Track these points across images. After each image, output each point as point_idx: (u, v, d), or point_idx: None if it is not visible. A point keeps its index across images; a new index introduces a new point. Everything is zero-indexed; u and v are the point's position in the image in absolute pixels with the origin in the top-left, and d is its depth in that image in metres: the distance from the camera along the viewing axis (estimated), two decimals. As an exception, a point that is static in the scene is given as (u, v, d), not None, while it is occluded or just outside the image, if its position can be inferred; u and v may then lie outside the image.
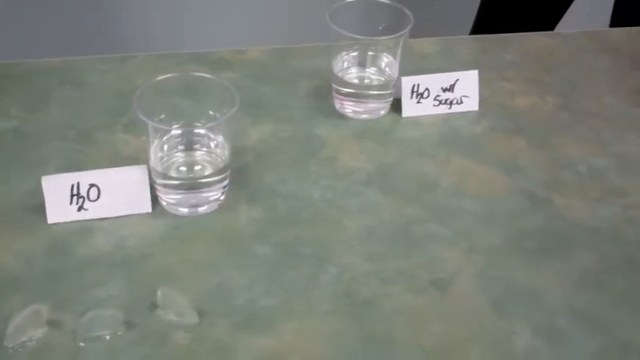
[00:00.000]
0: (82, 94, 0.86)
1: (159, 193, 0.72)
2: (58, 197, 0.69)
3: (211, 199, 0.71)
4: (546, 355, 0.62)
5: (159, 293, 0.62)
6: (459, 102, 0.86)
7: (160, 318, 0.62)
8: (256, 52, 0.94)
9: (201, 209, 0.72)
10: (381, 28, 0.81)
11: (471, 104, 0.86)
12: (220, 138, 0.71)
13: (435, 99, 0.85)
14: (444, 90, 0.85)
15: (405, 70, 0.84)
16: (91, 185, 0.69)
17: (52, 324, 0.61)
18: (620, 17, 1.24)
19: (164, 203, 0.72)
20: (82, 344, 0.60)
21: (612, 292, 0.67)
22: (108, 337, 0.60)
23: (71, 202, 0.69)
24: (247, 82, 0.88)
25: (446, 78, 0.85)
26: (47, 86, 0.86)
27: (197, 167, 0.72)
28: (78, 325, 0.61)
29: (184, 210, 0.72)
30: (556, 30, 1.26)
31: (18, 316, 0.60)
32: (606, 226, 0.74)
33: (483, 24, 1.30)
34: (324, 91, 0.86)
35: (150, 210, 0.71)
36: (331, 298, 0.65)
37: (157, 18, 1.79)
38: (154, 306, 0.63)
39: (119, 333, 0.61)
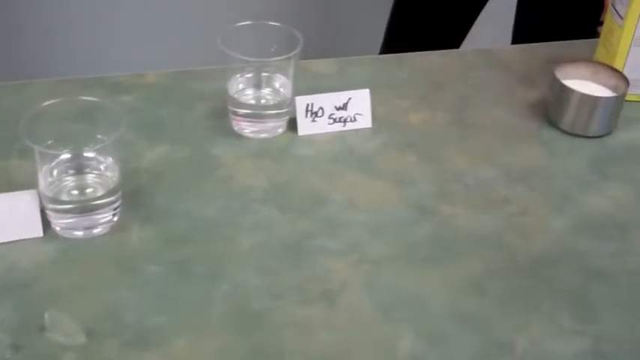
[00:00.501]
0: (-24, 120, 0.85)
1: (50, 218, 0.72)
2: (-55, 224, 0.69)
3: (103, 220, 0.72)
4: (429, 356, 0.64)
5: (46, 315, 0.63)
6: (353, 120, 0.89)
7: (48, 340, 0.62)
8: (154, 75, 0.95)
9: (95, 231, 0.72)
10: (272, 49, 0.84)
11: (364, 122, 0.89)
12: (110, 160, 0.72)
13: (329, 117, 0.88)
14: (338, 108, 0.88)
15: (303, 90, 0.87)
16: (-20, 211, 0.69)
17: (-64, 352, 0.61)
18: (520, 37, 1.30)
19: (57, 228, 0.72)
20: (-34, 371, 0.60)
21: (494, 294, 0.71)
22: (-7, 362, 0.60)
23: (-40, 229, 0.69)
24: (145, 105, 0.89)
25: (339, 97, 0.88)
26: (-59, 114, 0.86)
27: (88, 190, 0.73)
28: (-38, 351, 0.60)
29: (78, 233, 0.72)
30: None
31: None
32: (490, 233, 0.77)
33: (391, 45, 1.34)
34: (221, 113, 0.88)
35: (41, 234, 0.71)
36: (223, 314, 0.66)
37: (56, 44, 1.79)
38: (42, 328, 0.63)
39: (7, 357, 0.61)
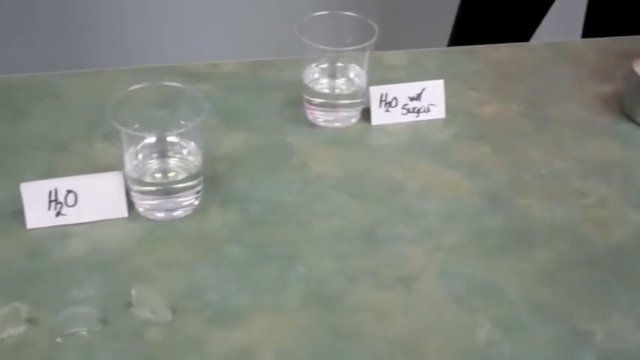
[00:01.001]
0: (58, 106, 0.88)
1: (134, 199, 0.74)
2: (36, 203, 0.72)
3: (185, 203, 0.74)
4: (505, 345, 0.65)
5: (133, 292, 0.65)
6: (427, 110, 0.89)
7: (134, 315, 0.65)
8: (230, 65, 0.97)
9: (176, 213, 0.74)
10: (348, 40, 0.85)
11: (438, 112, 0.90)
12: (192, 145, 0.74)
13: (402, 107, 0.88)
14: (412, 99, 0.88)
15: (375, 81, 0.88)
16: (69, 191, 0.72)
17: (31, 322, 0.63)
18: (591, 31, 1.29)
19: (140, 209, 0.75)
20: (59, 340, 0.62)
21: (569, 285, 0.70)
22: (84, 334, 0.63)
23: (49, 208, 0.72)
24: (221, 94, 0.91)
25: (413, 87, 0.88)
26: (25, 100, 0.89)
27: (171, 173, 0.75)
28: (55, 322, 0.63)
29: (160, 215, 0.74)
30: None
31: (-2, 314, 0.62)
32: (565, 225, 0.77)
33: (460, 38, 1.34)
34: (295, 102, 0.90)
35: (126, 215, 0.74)
36: (300, 295, 0.68)
37: (132, 33, 1.83)
38: (128, 304, 0.65)
39: (95, 329, 0.63)
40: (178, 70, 0.95)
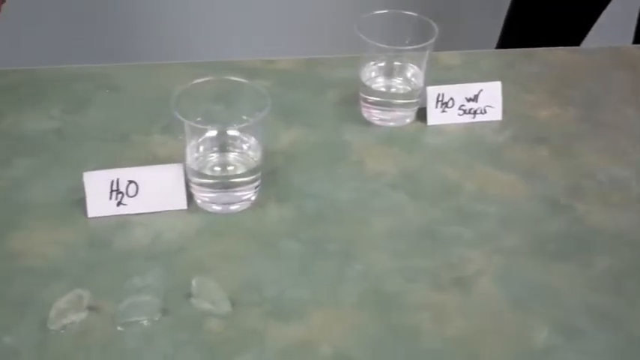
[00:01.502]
0: (119, 98, 0.90)
1: (194, 191, 0.75)
2: (98, 192, 0.73)
3: (243, 197, 0.75)
4: (563, 350, 0.64)
5: (193, 282, 0.65)
6: (483, 112, 0.89)
7: (194, 306, 0.65)
8: (286, 61, 0.97)
9: (233, 207, 0.75)
10: (407, 39, 0.85)
11: (495, 114, 0.89)
12: (253, 140, 0.75)
13: (459, 108, 0.88)
14: (468, 100, 0.88)
15: (430, 81, 0.87)
16: (130, 182, 0.73)
17: (93, 309, 0.64)
18: None
19: (199, 201, 0.75)
20: (120, 328, 0.63)
21: (629, 293, 0.69)
22: (145, 323, 0.63)
23: (110, 198, 0.73)
24: (278, 90, 0.91)
25: (470, 88, 0.88)
26: (87, 91, 0.90)
27: (230, 167, 0.76)
28: (116, 310, 0.64)
29: (218, 207, 0.75)
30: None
31: (61, 300, 0.63)
32: (625, 232, 0.76)
33: (509, 39, 1.33)
34: (351, 100, 0.90)
35: (185, 207, 0.75)
36: (357, 292, 0.68)
37: (191, 29, 1.85)
38: (188, 295, 0.66)
39: (155, 319, 0.64)
40: (235, 66, 0.95)
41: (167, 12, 1.84)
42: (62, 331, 0.63)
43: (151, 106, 0.88)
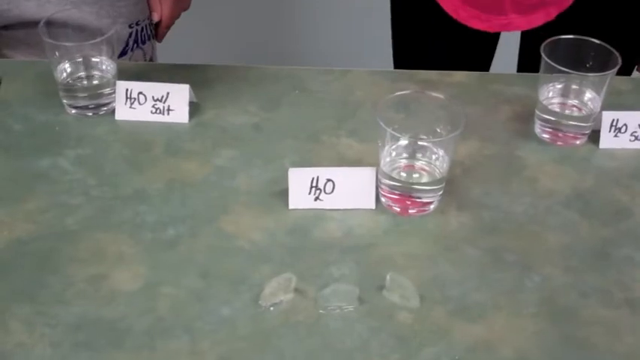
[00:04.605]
0: (308, 99, 0.98)
1: (381, 192, 0.82)
2: (299, 187, 0.81)
3: (426, 204, 0.81)
4: None
5: (388, 277, 0.72)
6: (656, 139, 0.91)
7: (385, 298, 0.72)
8: (460, 75, 1.03)
9: (412, 211, 0.81)
10: (589, 64, 0.89)
11: (666, 142, 0.92)
12: (442, 152, 0.81)
13: (631, 134, 0.91)
14: (641, 127, 0.91)
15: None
16: (328, 180, 0.81)
17: (297, 292, 0.72)
18: None
19: (383, 200, 0.82)
20: (321, 311, 0.71)
21: None
22: (344, 309, 0.71)
23: (310, 192, 0.81)
24: (457, 102, 0.97)
25: (644, 115, 0.91)
26: (278, 90, 0.99)
27: (415, 175, 0.82)
28: (319, 295, 0.72)
29: (396, 208, 0.81)
30: None
31: (273, 281, 0.72)
32: None
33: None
34: (524, 117, 0.95)
35: (374, 206, 0.82)
36: (535, 302, 0.73)
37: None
38: (380, 287, 0.73)
39: (352, 307, 0.71)
40: (412, 77, 1.02)
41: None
42: (272, 308, 0.71)
43: (338, 109, 0.96)
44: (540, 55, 0.88)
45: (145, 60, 1.16)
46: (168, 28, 1.19)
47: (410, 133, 0.81)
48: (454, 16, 1.09)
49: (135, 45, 1.13)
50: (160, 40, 1.21)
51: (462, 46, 1.19)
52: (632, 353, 0.69)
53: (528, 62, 1.22)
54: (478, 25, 1.09)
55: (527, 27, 1.09)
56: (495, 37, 1.23)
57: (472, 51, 1.20)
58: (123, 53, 1.11)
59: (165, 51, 1.29)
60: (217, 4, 2.02)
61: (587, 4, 1.07)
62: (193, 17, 1.30)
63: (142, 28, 1.14)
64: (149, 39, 1.17)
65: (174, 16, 1.19)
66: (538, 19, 1.07)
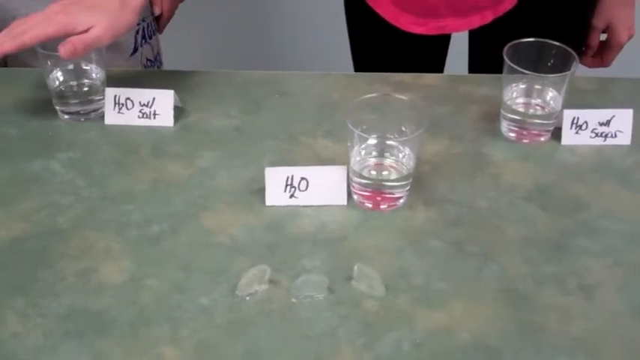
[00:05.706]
0: (288, 102, 1.03)
1: (353, 189, 0.87)
2: (275, 185, 0.86)
3: (395, 199, 0.86)
4: (678, 357, 0.72)
5: (355, 268, 0.78)
6: (614, 136, 0.97)
7: (354, 288, 0.78)
8: (433, 77, 1.08)
9: (383, 206, 0.87)
10: (549, 64, 0.94)
11: (624, 139, 0.97)
12: (408, 150, 0.86)
13: (592, 131, 0.97)
14: (601, 124, 0.96)
15: (566, 103, 0.96)
16: (302, 178, 0.86)
17: (272, 282, 0.78)
18: None
19: (355, 197, 0.88)
20: (294, 300, 0.76)
21: None
22: (315, 297, 0.76)
23: (285, 190, 0.86)
24: (424, 103, 1.02)
25: (603, 114, 0.96)
26: (260, 94, 1.04)
27: (384, 172, 0.88)
28: (292, 285, 0.77)
29: (368, 205, 0.87)
30: None
31: (249, 272, 0.77)
32: None
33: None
34: (490, 116, 1.00)
35: (345, 203, 0.87)
36: (493, 289, 0.78)
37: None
38: (349, 278, 0.78)
39: (322, 296, 0.77)
40: (386, 79, 1.07)
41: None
42: (247, 298, 0.77)
43: (315, 111, 1.01)
44: (489, 55, 0.93)
45: (154, 53, 1.23)
46: (168, 20, 1.27)
47: (378, 133, 0.86)
48: (396, 24, 1.16)
49: (143, 41, 1.20)
50: (161, 32, 1.28)
51: (414, 50, 1.25)
52: (584, 337, 0.74)
53: (478, 62, 1.30)
54: (417, 30, 1.16)
55: (463, 29, 1.15)
56: (445, 40, 1.29)
57: (424, 54, 1.27)
58: (134, 51, 1.18)
59: (166, 52, 1.35)
60: (209, 12, 2.08)
61: (525, 7, 1.13)
62: (186, 23, 1.37)
63: (148, 24, 1.21)
64: (154, 33, 1.24)
65: (174, 8, 1.27)
66: (474, 22, 1.14)
